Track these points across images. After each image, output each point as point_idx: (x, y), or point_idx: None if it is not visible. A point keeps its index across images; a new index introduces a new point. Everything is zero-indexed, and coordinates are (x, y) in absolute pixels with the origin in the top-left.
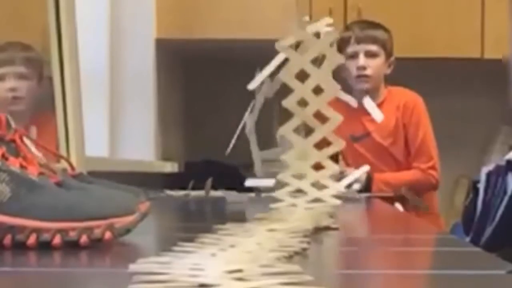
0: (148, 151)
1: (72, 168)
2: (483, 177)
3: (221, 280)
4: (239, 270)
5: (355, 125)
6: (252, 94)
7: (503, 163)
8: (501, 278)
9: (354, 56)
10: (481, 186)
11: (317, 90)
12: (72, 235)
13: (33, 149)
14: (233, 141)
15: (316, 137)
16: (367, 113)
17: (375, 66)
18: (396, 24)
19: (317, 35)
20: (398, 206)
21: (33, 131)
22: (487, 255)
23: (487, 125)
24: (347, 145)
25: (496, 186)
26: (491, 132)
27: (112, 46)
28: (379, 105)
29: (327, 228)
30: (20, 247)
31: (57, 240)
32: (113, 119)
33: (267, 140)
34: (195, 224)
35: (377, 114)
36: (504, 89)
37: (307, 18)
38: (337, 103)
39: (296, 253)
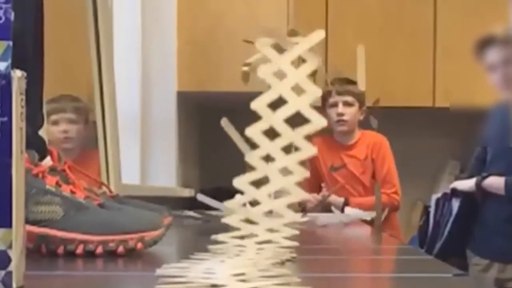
0: (171, 179)
1: (110, 191)
2: (433, 202)
3: (228, 281)
4: (243, 273)
5: (335, 158)
6: None
7: (448, 191)
8: (449, 280)
9: (335, 105)
10: (432, 209)
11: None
12: (111, 245)
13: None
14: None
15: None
16: (345, 149)
17: (351, 113)
18: (366, 81)
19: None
20: None
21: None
22: (438, 262)
23: (437, 160)
24: (328, 173)
25: (443, 209)
26: (440, 165)
27: (143, 97)
28: (354, 144)
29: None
30: (70, 255)
31: (99, 249)
32: (143, 154)
33: None
34: (207, 237)
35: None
36: (451, 132)
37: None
38: (325, 140)
39: (287, 260)
